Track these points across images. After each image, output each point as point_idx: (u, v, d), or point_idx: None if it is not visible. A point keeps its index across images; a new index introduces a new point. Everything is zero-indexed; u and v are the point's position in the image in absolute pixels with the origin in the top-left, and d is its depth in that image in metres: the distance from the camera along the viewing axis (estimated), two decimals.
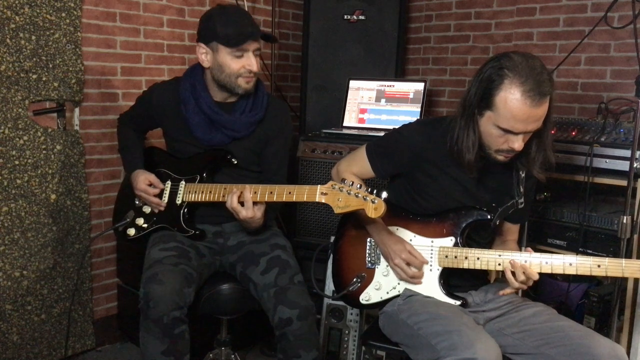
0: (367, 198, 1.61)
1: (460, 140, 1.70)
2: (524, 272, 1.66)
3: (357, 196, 1.63)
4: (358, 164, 1.94)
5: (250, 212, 1.84)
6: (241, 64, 1.95)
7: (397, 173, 1.92)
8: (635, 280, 2.13)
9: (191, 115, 2.03)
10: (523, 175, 1.80)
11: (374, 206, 1.60)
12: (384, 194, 1.61)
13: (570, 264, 1.64)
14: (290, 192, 1.79)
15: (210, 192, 1.97)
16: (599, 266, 1.62)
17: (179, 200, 2.05)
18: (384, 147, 1.91)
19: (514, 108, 1.57)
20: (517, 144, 1.63)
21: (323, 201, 1.70)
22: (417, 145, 1.82)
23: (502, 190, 1.82)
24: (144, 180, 2.07)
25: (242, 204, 1.86)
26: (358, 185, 1.65)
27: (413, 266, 1.80)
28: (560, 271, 1.65)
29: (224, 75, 1.97)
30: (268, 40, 2.08)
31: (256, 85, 2.07)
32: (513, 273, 1.68)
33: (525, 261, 1.67)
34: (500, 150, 1.68)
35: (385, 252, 1.84)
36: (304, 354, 1.86)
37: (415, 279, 1.81)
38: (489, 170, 1.78)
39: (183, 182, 2.07)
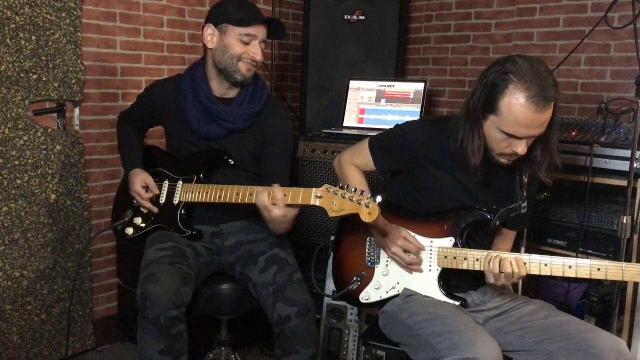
0: (362, 202, 1.61)
1: (465, 144, 1.70)
2: (499, 268, 1.64)
3: (351, 200, 1.63)
4: (360, 156, 1.94)
5: (282, 210, 1.79)
6: (245, 50, 1.96)
7: (398, 170, 1.92)
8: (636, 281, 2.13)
9: (189, 108, 2.03)
10: (526, 179, 1.80)
11: (368, 210, 1.60)
12: (379, 198, 1.61)
13: (570, 267, 1.63)
14: (285, 194, 1.79)
15: (207, 192, 1.97)
16: (598, 269, 1.61)
17: (176, 201, 2.05)
18: (386, 142, 1.91)
19: (517, 113, 1.57)
20: (520, 148, 1.63)
21: (318, 204, 1.70)
22: (418, 143, 1.82)
23: (503, 193, 1.81)
24: (140, 181, 2.07)
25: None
26: (353, 189, 1.64)
27: (410, 253, 1.80)
28: (559, 273, 1.65)
29: (226, 57, 1.97)
30: (276, 35, 2.07)
31: (255, 79, 2.08)
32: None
33: (525, 262, 1.67)
34: (503, 153, 1.68)
35: (382, 243, 1.84)
36: (302, 350, 1.86)
37: (414, 265, 1.80)
38: (491, 173, 1.77)
39: (180, 182, 2.07)
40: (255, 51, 1.97)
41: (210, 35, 1.99)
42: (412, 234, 1.83)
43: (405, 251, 1.80)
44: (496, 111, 1.62)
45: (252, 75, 2.02)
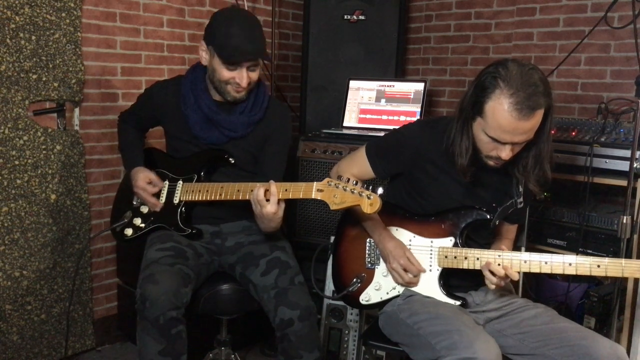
0: (363, 194, 1.62)
1: (455, 143, 1.71)
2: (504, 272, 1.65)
3: (352, 192, 1.64)
4: (358, 164, 1.94)
5: (274, 207, 1.80)
6: (232, 75, 1.95)
7: (397, 173, 1.92)
8: (635, 280, 2.13)
9: (190, 113, 2.03)
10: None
11: (370, 202, 1.61)
12: (380, 190, 1.63)
13: (570, 264, 1.64)
14: (286, 190, 1.79)
15: (208, 191, 1.97)
16: (598, 266, 1.62)
17: (176, 200, 2.05)
18: (384, 147, 1.91)
19: (500, 118, 1.57)
20: (505, 153, 1.63)
21: (319, 198, 1.70)
22: (417, 145, 1.82)
23: (501, 190, 1.82)
24: (143, 178, 2.07)
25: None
26: (354, 182, 1.65)
27: (410, 273, 1.80)
28: (560, 271, 1.65)
29: (215, 80, 1.99)
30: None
31: (257, 85, 2.07)
32: (491, 272, 1.67)
33: (525, 261, 1.67)
34: (489, 156, 1.69)
35: (384, 254, 1.85)
36: (306, 354, 1.86)
37: (411, 284, 1.82)
38: (489, 170, 1.77)
39: (180, 182, 2.07)
40: (241, 77, 1.94)
41: (204, 52, 2.00)
42: (413, 234, 1.84)
43: (405, 270, 1.80)
44: (482, 114, 1.62)
45: (244, 94, 2.01)
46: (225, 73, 1.95)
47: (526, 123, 1.57)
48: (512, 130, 1.58)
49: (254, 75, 1.99)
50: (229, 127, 2.03)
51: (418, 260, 1.81)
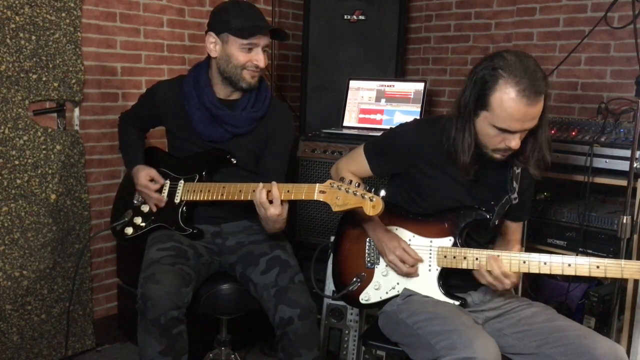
0: (366, 196, 1.62)
1: (456, 142, 1.71)
2: (500, 270, 1.65)
3: (355, 194, 1.64)
4: (356, 163, 1.94)
5: (278, 209, 1.81)
6: (249, 58, 1.97)
7: (395, 172, 1.93)
8: (636, 280, 2.12)
9: (193, 111, 2.04)
10: (518, 171, 1.80)
11: (372, 204, 1.61)
12: (382, 192, 1.62)
13: (569, 265, 1.64)
14: (288, 191, 1.79)
15: (209, 191, 1.97)
16: (598, 267, 1.62)
17: (177, 199, 2.06)
18: (382, 146, 1.91)
19: (510, 107, 1.58)
20: (514, 142, 1.64)
21: (321, 199, 1.70)
22: (413, 144, 1.82)
23: (498, 187, 1.81)
24: (145, 175, 2.07)
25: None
26: (357, 184, 1.65)
27: (407, 264, 1.80)
28: (559, 272, 1.65)
29: (230, 67, 1.99)
30: (278, 38, 2.08)
31: (259, 82, 2.08)
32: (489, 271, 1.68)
33: (525, 262, 1.67)
34: (497, 149, 1.69)
35: (380, 249, 1.85)
36: (305, 352, 1.86)
37: (410, 275, 1.82)
38: (485, 167, 1.77)
39: (182, 181, 2.07)
40: (259, 58, 1.98)
41: (213, 44, 2.00)
42: (412, 234, 1.84)
43: (402, 261, 1.80)
44: (488, 107, 1.62)
45: (257, 81, 2.04)
46: (241, 57, 1.97)
47: (534, 108, 1.59)
48: (522, 117, 1.59)
49: (266, 58, 2.02)
50: (233, 122, 2.04)
51: (414, 250, 1.81)
